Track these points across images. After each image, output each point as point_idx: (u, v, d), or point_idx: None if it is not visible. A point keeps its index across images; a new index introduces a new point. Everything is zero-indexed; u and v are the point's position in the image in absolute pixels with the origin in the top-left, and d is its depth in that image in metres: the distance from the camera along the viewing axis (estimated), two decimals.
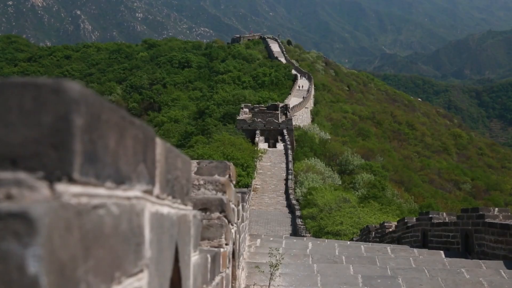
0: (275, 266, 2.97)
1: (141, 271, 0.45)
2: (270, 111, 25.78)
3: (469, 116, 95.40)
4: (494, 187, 33.26)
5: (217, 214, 1.43)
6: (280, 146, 23.62)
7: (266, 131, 24.62)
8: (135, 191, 0.43)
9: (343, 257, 3.77)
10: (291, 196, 17.06)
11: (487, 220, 3.91)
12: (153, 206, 0.52)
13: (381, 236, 7.06)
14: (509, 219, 3.88)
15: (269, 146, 23.64)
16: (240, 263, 2.75)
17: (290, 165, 20.07)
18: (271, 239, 4.81)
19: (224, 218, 1.44)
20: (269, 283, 2.92)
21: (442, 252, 4.29)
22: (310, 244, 4.55)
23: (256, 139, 23.46)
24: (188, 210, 0.78)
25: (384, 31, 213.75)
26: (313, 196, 15.56)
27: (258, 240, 4.48)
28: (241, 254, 2.81)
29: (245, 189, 3.53)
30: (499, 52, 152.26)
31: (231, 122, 26.74)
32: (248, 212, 5.05)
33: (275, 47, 52.67)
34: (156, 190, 0.53)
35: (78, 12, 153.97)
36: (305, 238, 6.54)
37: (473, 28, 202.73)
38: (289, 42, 62.96)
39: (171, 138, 29.66)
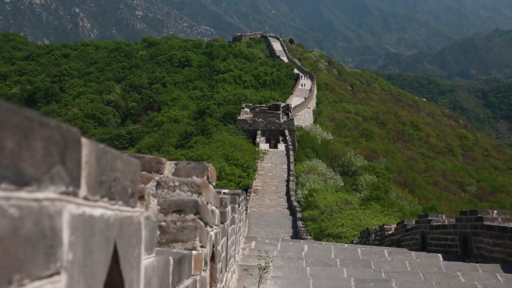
0: (264, 268, 2.93)
1: (57, 273, 0.44)
2: (271, 111, 25.73)
3: (475, 117, 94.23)
4: (500, 189, 32.84)
5: (191, 216, 1.39)
6: (281, 146, 23.55)
7: (267, 132, 24.56)
8: (48, 193, 0.42)
9: (338, 260, 3.70)
10: (292, 198, 16.98)
11: (486, 222, 3.84)
12: (79, 208, 0.50)
13: (381, 238, 6.98)
14: (507, 221, 3.80)
15: (270, 147, 23.57)
16: (231, 266, 2.71)
17: (292, 166, 20.00)
18: (267, 241, 4.77)
19: (199, 220, 1.39)
20: (258, 286, 2.88)
21: (440, 255, 4.22)
22: (306, 247, 4.50)
23: (257, 139, 23.38)
24: (137, 212, 0.75)
25: (388, 30, 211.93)
26: (314, 198, 15.47)
27: (253, 243, 4.44)
28: (231, 257, 2.76)
29: (238, 191, 3.48)
30: (506, 51, 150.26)
31: (231, 122, 26.64)
32: (243, 214, 5.00)
33: (277, 46, 52.27)
34: (83, 191, 0.51)
35: (77, 10, 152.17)
36: (302, 240, 6.47)
37: (479, 27, 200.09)
38: (291, 41, 62.54)
39: (170, 138, 29.66)
